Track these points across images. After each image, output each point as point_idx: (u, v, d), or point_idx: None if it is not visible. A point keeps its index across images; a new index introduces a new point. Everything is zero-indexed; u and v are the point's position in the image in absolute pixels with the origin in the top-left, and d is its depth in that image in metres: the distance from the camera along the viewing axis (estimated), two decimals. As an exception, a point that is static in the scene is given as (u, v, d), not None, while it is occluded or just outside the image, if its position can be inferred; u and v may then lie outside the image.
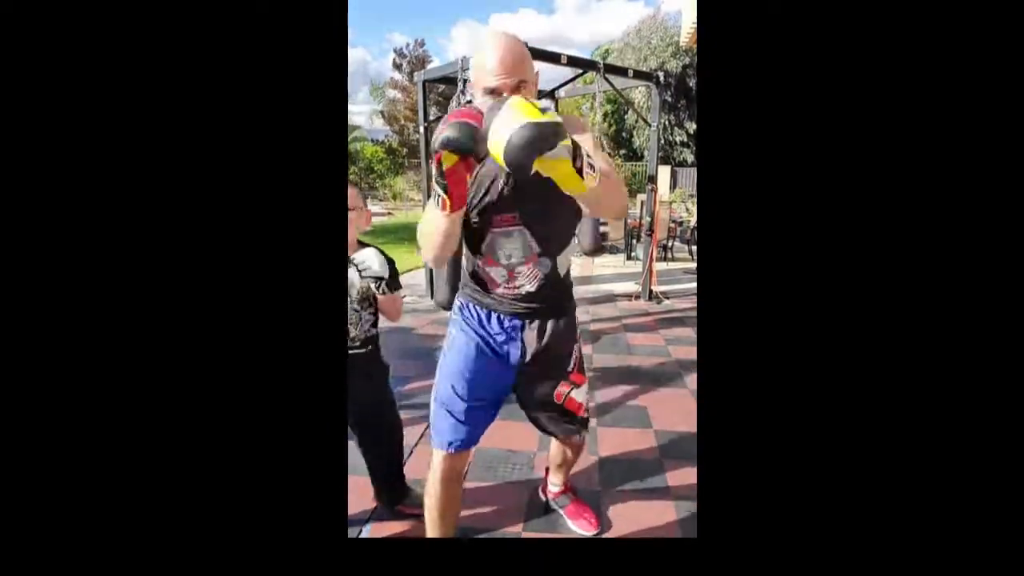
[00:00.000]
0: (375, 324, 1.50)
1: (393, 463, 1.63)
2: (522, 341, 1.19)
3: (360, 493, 1.66)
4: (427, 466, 1.85)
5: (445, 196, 0.88)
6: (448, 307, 1.65)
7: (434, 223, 0.96)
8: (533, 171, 0.78)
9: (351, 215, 1.36)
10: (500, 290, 1.15)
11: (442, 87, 5.40)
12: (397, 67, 19.46)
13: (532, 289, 1.14)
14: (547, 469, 1.72)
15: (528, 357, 1.21)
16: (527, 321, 1.19)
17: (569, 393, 1.29)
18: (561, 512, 1.64)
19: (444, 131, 0.83)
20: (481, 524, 1.58)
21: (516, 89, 0.94)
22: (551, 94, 4.94)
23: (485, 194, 1.08)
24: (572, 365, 1.28)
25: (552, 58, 3.42)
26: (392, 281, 1.38)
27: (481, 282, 1.17)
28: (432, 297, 4.37)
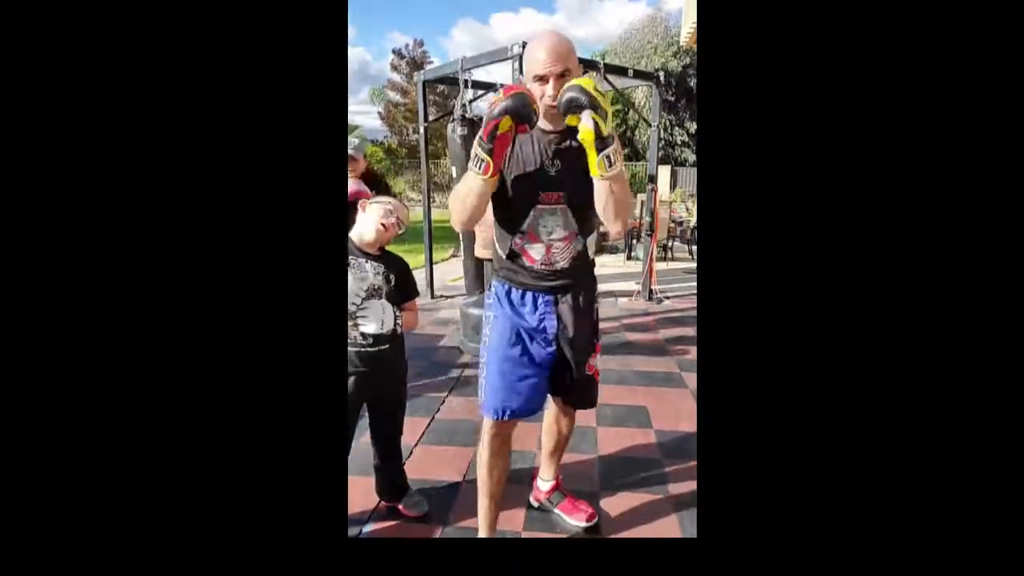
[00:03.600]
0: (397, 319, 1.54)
1: (399, 455, 1.66)
2: (558, 315, 1.29)
3: (360, 493, 1.66)
4: (435, 461, 1.87)
5: (489, 160, 1.06)
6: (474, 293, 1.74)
7: (471, 187, 1.12)
8: (566, 127, 1.10)
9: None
10: (537, 266, 1.24)
11: (441, 87, 5.39)
12: (395, 68, 19.45)
13: (566, 265, 1.26)
14: (534, 474, 1.72)
15: (565, 329, 1.30)
16: (559, 295, 1.29)
17: (595, 363, 1.42)
18: (555, 510, 1.64)
19: (504, 101, 1.03)
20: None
21: (561, 76, 1.10)
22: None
23: (533, 173, 1.18)
24: (597, 335, 1.41)
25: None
26: (409, 291, 1.51)
27: (519, 261, 1.26)
28: (432, 296, 4.38)
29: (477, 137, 1.08)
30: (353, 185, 2.34)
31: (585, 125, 1.04)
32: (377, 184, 2.53)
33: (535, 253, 1.23)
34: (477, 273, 3.59)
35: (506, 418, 1.31)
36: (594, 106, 1.02)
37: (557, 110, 1.07)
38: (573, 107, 1.04)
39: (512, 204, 1.20)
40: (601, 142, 1.05)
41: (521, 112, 1.03)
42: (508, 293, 1.30)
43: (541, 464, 1.67)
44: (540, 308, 1.28)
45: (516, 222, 1.22)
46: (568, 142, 1.18)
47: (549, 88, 1.10)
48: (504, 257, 1.28)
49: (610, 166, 1.07)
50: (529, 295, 1.28)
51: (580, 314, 1.32)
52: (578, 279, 1.31)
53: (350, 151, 2.52)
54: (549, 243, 1.22)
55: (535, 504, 1.68)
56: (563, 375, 1.38)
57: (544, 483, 1.67)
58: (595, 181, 1.11)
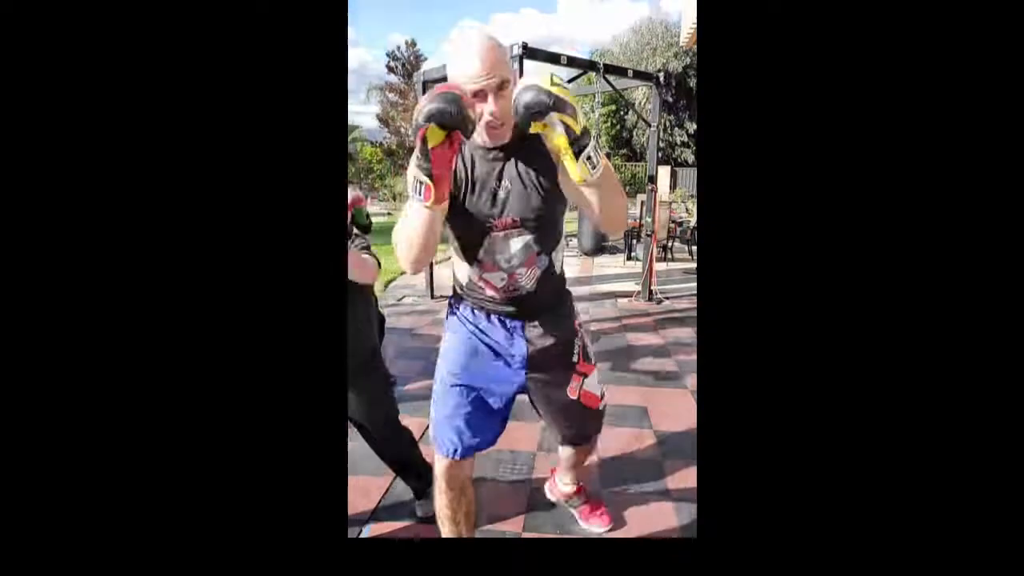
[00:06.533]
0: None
1: (404, 453, 1.65)
2: (526, 339, 1.17)
3: (360, 493, 1.66)
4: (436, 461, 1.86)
5: (429, 182, 0.85)
6: None
7: (414, 219, 0.92)
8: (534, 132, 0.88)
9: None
10: (499, 295, 1.13)
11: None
12: (391, 70, 19.43)
13: (532, 288, 1.13)
14: (553, 470, 1.68)
15: (537, 355, 1.18)
16: (527, 320, 1.17)
17: (582, 386, 1.25)
18: (574, 513, 1.62)
19: (429, 103, 0.80)
20: (481, 524, 1.58)
21: (500, 87, 0.93)
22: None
23: (483, 197, 1.04)
24: (577, 355, 1.24)
25: (552, 58, 3.42)
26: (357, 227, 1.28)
27: (479, 289, 1.14)
28: (432, 296, 4.37)
29: (414, 155, 0.87)
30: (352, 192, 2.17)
31: (555, 130, 0.84)
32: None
33: (496, 281, 1.11)
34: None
35: (459, 456, 1.18)
36: (560, 106, 0.82)
37: (516, 120, 0.85)
38: (535, 113, 0.82)
39: (465, 233, 1.07)
40: (577, 144, 0.85)
41: (449, 115, 0.80)
42: (472, 313, 1.18)
43: (559, 468, 1.60)
44: (508, 330, 1.16)
45: (472, 251, 1.08)
46: (514, 158, 1.04)
47: (490, 104, 0.93)
48: (464, 286, 1.16)
49: (594, 167, 0.87)
50: (499, 319, 1.16)
51: (554, 334, 1.19)
52: (547, 298, 1.17)
53: None
54: (510, 270, 1.09)
55: (552, 500, 1.63)
56: (544, 407, 1.27)
57: (565, 485, 1.60)
58: (580, 188, 0.92)
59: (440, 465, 1.20)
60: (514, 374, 1.19)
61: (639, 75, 4.33)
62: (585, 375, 1.26)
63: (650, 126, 4.37)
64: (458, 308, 1.21)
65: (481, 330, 1.18)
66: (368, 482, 1.66)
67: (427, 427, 2.18)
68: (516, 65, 3.19)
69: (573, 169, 0.87)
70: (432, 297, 4.37)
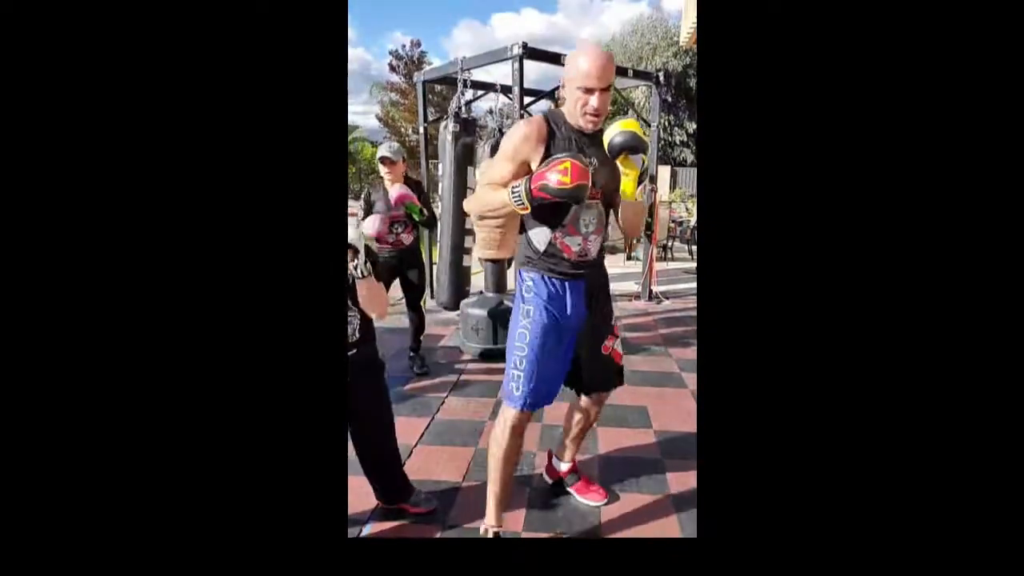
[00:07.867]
0: (363, 326, 1.50)
1: (390, 461, 1.64)
2: (587, 301, 1.41)
3: (360, 493, 1.66)
4: (435, 461, 1.87)
5: (530, 207, 1.22)
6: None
7: (504, 207, 1.27)
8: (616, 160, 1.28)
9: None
10: (574, 258, 1.35)
11: (440, 87, 5.39)
12: (393, 69, 19.41)
13: (595, 255, 1.40)
14: (550, 453, 1.81)
15: (592, 316, 1.42)
16: (588, 281, 1.41)
17: (614, 345, 1.54)
18: (570, 490, 1.73)
19: (570, 189, 1.15)
20: (481, 524, 1.58)
21: (606, 90, 1.23)
22: (551, 94, 4.94)
23: None
24: (614, 318, 1.54)
25: (553, 58, 3.42)
26: (368, 256, 1.36)
27: (556, 253, 1.35)
28: (433, 297, 4.37)
29: (526, 184, 1.20)
30: (400, 189, 2.45)
31: (635, 163, 1.25)
32: (416, 188, 2.54)
33: (573, 246, 1.34)
34: (457, 282, 3.08)
35: (529, 408, 1.39)
36: (645, 150, 1.23)
37: (608, 149, 1.25)
38: (628, 151, 1.23)
39: (557, 201, 1.26)
40: (643, 175, 1.27)
41: (580, 199, 1.19)
42: (548, 284, 1.37)
43: (564, 442, 1.75)
44: (575, 298, 1.38)
45: (558, 217, 1.32)
46: (598, 143, 1.31)
47: (594, 100, 1.22)
48: (541, 251, 1.36)
49: (644, 192, 1.28)
50: (567, 284, 1.37)
51: (605, 299, 1.48)
52: (601, 266, 1.45)
53: (389, 154, 2.55)
54: (586, 235, 1.34)
55: (550, 480, 1.78)
56: (585, 363, 1.48)
57: (562, 464, 1.76)
58: (627, 201, 1.31)
59: (510, 415, 1.41)
60: (573, 332, 1.41)
61: (639, 75, 4.33)
62: (617, 336, 1.56)
63: (650, 126, 4.37)
64: (532, 276, 1.40)
65: (555, 302, 1.37)
66: (368, 482, 1.66)
67: (426, 427, 2.20)
68: (516, 65, 3.19)
69: (631, 188, 1.28)
70: (431, 297, 4.36)
